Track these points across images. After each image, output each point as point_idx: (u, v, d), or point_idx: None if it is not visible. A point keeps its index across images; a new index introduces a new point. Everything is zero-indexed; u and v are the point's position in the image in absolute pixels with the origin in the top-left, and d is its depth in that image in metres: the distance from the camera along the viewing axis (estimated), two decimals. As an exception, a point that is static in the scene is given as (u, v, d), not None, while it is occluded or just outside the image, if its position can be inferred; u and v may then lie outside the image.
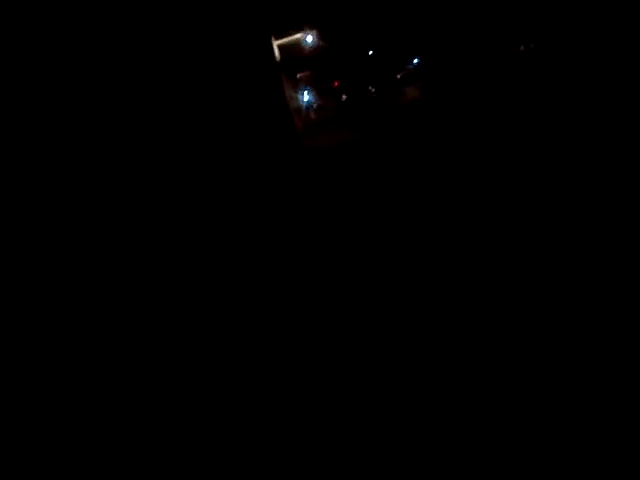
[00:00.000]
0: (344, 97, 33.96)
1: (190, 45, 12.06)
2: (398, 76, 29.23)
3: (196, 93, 11.99)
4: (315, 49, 18.03)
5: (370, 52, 36.54)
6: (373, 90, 33.12)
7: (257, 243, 5.75)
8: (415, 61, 40.47)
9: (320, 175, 11.40)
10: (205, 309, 4.17)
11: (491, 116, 11.80)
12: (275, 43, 16.53)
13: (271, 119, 14.18)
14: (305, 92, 30.37)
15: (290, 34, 17.32)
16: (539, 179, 5.48)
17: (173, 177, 9.44)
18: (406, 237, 4.66)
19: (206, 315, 4.04)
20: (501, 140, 8.33)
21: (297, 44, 17.65)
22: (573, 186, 4.95)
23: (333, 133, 18.04)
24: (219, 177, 10.97)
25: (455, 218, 4.86)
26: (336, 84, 31.94)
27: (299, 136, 15.95)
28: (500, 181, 5.79)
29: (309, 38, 17.40)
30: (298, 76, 27.57)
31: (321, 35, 17.43)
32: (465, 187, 5.95)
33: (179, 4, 11.68)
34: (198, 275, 5.04)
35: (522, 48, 19.22)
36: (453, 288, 3.46)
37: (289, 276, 4.44)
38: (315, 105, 31.88)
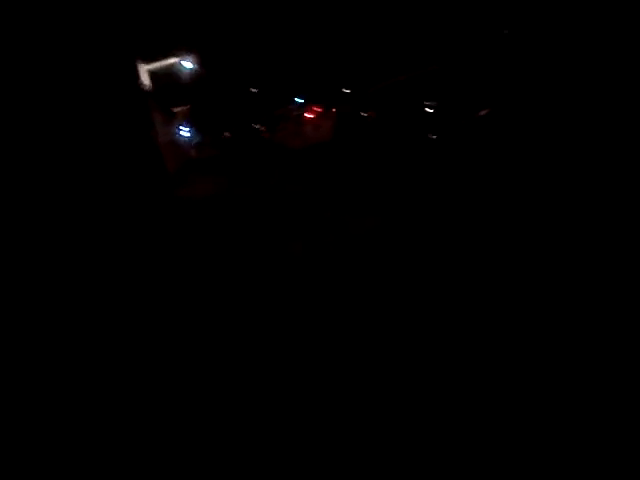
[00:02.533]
0: (227, 134, 31.24)
1: (32, 63, 9.14)
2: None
3: (44, 126, 9.11)
4: (194, 77, 15.32)
5: (254, 89, 34.49)
6: (262, 128, 30.76)
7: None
8: (298, 100, 39.05)
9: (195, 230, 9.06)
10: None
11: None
12: (145, 68, 13.59)
13: (139, 161, 11.32)
14: (184, 128, 27.35)
15: (163, 58, 14.35)
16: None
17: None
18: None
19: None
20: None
21: (173, 71, 14.76)
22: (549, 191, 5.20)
23: (214, 178, 15.34)
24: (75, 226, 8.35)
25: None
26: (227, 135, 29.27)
27: (172, 181, 13.12)
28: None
29: (187, 64, 14.52)
30: (175, 110, 24.51)
31: (201, 61, 14.67)
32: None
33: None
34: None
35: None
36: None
37: None
38: (195, 142, 28.94)
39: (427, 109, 16.91)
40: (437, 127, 14.83)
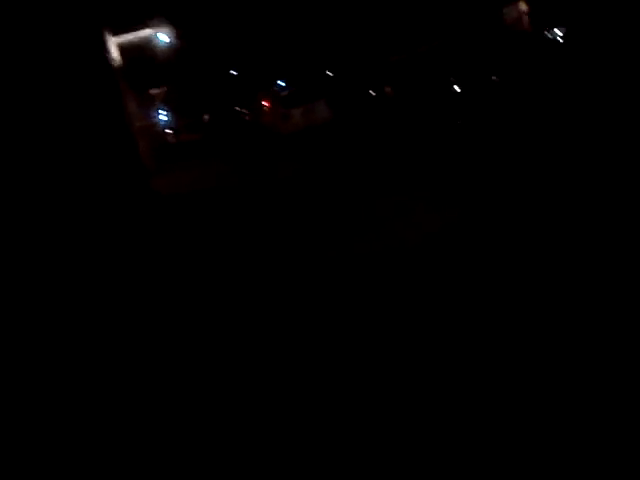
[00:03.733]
0: (206, 118, 29.37)
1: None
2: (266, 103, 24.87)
3: None
4: (171, 52, 13.42)
5: (233, 71, 32.68)
6: (244, 111, 28.73)
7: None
8: (281, 83, 36.97)
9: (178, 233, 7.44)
10: None
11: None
12: (113, 41, 11.65)
13: (110, 151, 9.53)
14: (160, 111, 25.27)
15: (136, 29, 12.38)
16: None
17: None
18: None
19: None
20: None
21: (147, 44, 12.85)
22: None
23: (197, 168, 13.56)
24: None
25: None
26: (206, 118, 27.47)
27: (148, 174, 11.31)
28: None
29: (163, 36, 12.58)
30: (152, 92, 22.42)
31: (179, 33, 12.66)
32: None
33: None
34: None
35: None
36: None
37: None
38: (173, 127, 26.91)
39: (454, 87, 15.07)
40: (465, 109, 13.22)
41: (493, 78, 13.27)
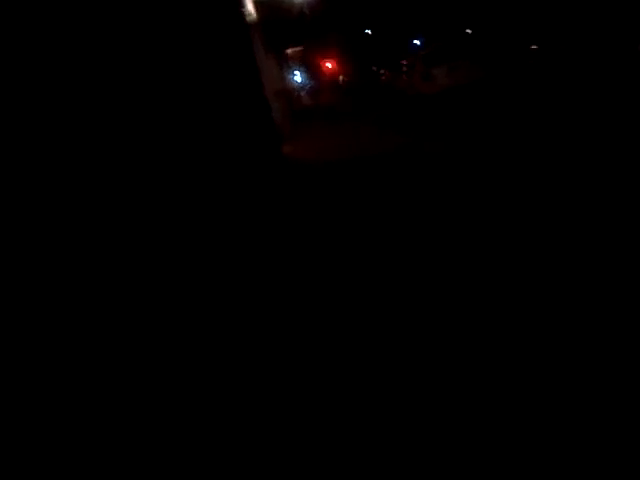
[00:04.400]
0: (342, 79, 28.52)
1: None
2: (404, 62, 23.23)
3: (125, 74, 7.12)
4: (308, 9, 12.62)
5: (368, 30, 31.38)
6: (382, 72, 27.51)
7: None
8: (417, 42, 35.04)
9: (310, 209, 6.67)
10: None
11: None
12: (250, -3, 11.03)
13: (240, 114, 9.08)
14: (296, 72, 24.75)
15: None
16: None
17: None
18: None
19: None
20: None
21: (284, 1, 12.10)
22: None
23: (333, 132, 12.78)
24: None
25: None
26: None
27: (280, 139, 10.70)
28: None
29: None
30: (288, 52, 21.88)
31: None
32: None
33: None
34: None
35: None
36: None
37: None
38: (308, 88, 26.31)
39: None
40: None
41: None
